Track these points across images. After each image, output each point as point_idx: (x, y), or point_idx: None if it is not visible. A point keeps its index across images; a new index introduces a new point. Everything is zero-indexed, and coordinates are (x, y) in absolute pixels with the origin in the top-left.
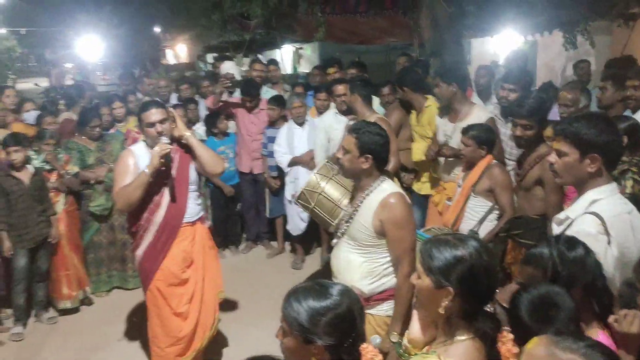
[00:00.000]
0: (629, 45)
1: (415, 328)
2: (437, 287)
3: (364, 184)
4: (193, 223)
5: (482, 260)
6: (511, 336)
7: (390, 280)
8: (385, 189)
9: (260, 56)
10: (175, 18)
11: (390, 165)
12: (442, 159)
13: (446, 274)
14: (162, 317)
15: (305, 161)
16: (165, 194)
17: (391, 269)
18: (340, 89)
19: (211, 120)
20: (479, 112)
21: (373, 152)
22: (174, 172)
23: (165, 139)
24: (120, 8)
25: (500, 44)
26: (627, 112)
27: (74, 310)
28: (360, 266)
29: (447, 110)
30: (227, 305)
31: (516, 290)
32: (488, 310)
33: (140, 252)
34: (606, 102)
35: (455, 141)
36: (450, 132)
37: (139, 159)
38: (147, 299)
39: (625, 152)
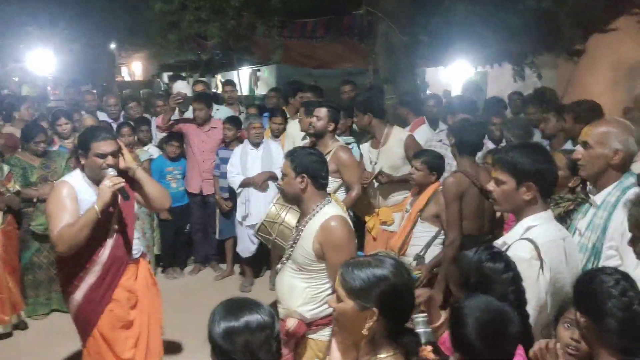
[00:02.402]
0: (573, 79)
1: (335, 355)
2: (361, 309)
3: (307, 207)
4: (137, 260)
5: (402, 278)
6: (430, 347)
7: None
8: (327, 212)
9: (218, 77)
10: (132, 35)
11: (354, 193)
12: (375, 185)
13: (369, 294)
14: None
15: (257, 182)
16: (111, 231)
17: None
18: (321, 111)
19: (171, 138)
20: (397, 133)
21: (307, 171)
22: (120, 207)
23: (112, 171)
24: (76, 23)
25: (453, 73)
26: (568, 143)
27: (5, 335)
28: (303, 291)
29: (368, 138)
30: (173, 329)
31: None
32: (408, 326)
33: (79, 296)
34: (550, 132)
35: (384, 164)
36: (375, 158)
37: (78, 193)
38: (88, 346)
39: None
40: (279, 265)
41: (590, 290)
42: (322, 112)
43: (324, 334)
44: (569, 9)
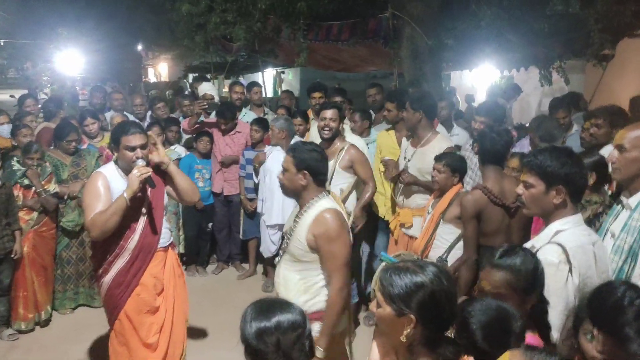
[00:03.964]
0: (601, 85)
1: (374, 357)
2: (399, 315)
3: (304, 200)
4: (165, 249)
5: (442, 286)
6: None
7: (324, 300)
8: (322, 204)
9: (241, 79)
10: (159, 37)
11: (370, 189)
12: (400, 184)
13: (407, 301)
14: (130, 348)
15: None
16: (141, 219)
17: (326, 287)
18: (329, 113)
19: (201, 136)
20: (440, 141)
21: (309, 167)
22: (149, 196)
23: (141, 162)
24: (103, 23)
25: (478, 77)
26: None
27: (27, 331)
28: (297, 283)
29: (411, 135)
30: (196, 328)
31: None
32: (448, 335)
33: (108, 279)
34: (601, 139)
35: (414, 165)
36: (410, 156)
37: (110, 183)
38: (115, 328)
39: (594, 190)
40: (277, 259)
41: (604, 306)
42: (334, 113)
43: (313, 330)
44: (598, 13)
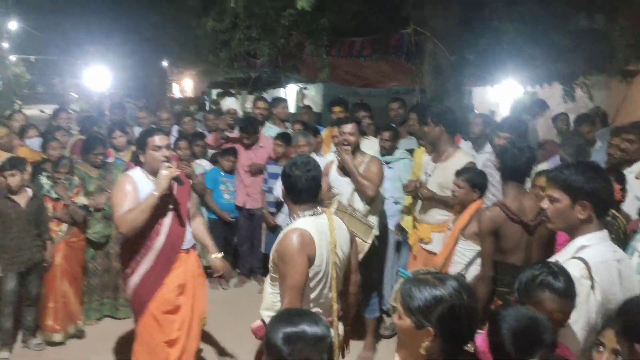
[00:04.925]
0: (626, 100)
1: None
2: (418, 327)
3: (290, 217)
4: (187, 250)
5: (462, 300)
6: None
7: None
8: (294, 223)
9: (265, 94)
10: (184, 53)
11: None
12: (419, 200)
13: (426, 314)
14: (153, 345)
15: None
16: (167, 220)
17: None
18: (349, 127)
19: (224, 155)
20: (460, 156)
21: (286, 186)
22: (175, 197)
23: (167, 163)
24: (130, 40)
25: (501, 93)
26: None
27: (58, 344)
28: (268, 296)
29: (432, 150)
30: (215, 338)
31: (493, 315)
32: (468, 349)
33: (136, 277)
34: (633, 155)
35: (434, 181)
36: (431, 171)
37: (137, 184)
38: (140, 325)
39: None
40: None
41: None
42: (353, 127)
43: None
44: (622, 29)
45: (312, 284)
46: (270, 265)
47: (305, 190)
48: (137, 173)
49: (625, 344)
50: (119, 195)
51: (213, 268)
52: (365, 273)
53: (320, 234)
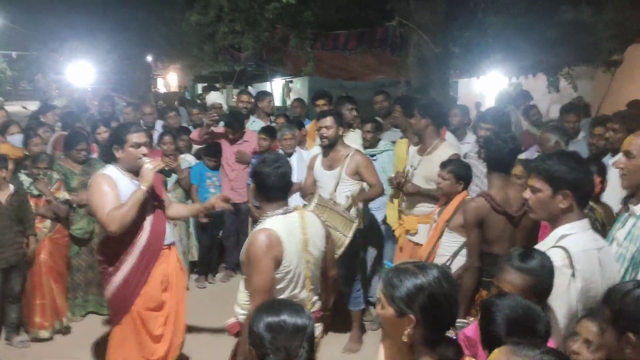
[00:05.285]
0: (610, 91)
1: (380, 358)
2: (399, 315)
3: (261, 216)
4: (169, 246)
5: (442, 288)
6: None
7: None
8: (263, 223)
9: (250, 88)
10: (168, 47)
11: (374, 189)
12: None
13: (407, 302)
14: (139, 342)
15: (293, 191)
16: (149, 217)
17: None
18: (326, 121)
19: (211, 153)
20: (445, 148)
21: (258, 184)
22: (156, 192)
23: (147, 159)
24: (113, 35)
25: (486, 85)
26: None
27: (46, 340)
28: (240, 293)
29: (418, 142)
30: (201, 331)
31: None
32: (450, 336)
33: (119, 277)
34: (617, 144)
35: (420, 173)
36: (416, 164)
37: (117, 182)
38: (125, 323)
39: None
40: None
41: (629, 308)
42: (329, 120)
43: None
44: (607, 20)
45: (282, 285)
46: (243, 264)
47: (276, 187)
48: (112, 171)
49: (614, 333)
50: (99, 194)
51: (214, 205)
52: (349, 265)
53: (289, 233)
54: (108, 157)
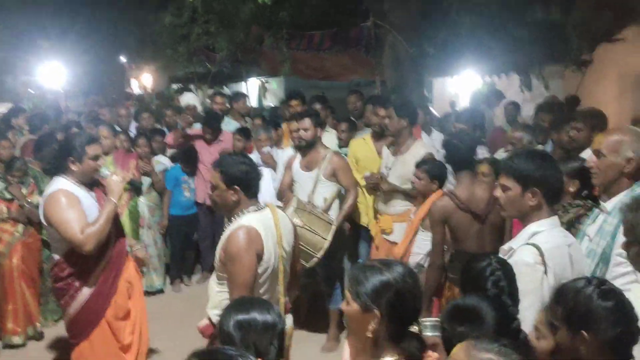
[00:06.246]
0: (580, 90)
1: (345, 355)
2: (364, 311)
3: (234, 214)
4: (127, 253)
5: (406, 284)
6: (436, 355)
7: None
8: (242, 220)
9: (225, 88)
10: (142, 48)
11: (351, 197)
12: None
13: (372, 297)
14: (110, 354)
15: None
16: (113, 227)
17: None
18: (306, 122)
19: (186, 157)
20: (419, 148)
21: (240, 182)
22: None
23: (106, 170)
24: (86, 36)
25: (460, 84)
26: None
27: (19, 346)
28: (215, 295)
29: (393, 143)
30: (177, 334)
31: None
32: (413, 331)
33: (87, 291)
34: (582, 142)
35: (395, 173)
36: (391, 164)
37: (79, 197)
38: (95, 336)
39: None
40: None
41: (582, 307)
42: (307, 122)
43: None
44: (577, 20)
45: (261, 280)
46: (217, 263)
47: (255, 183)
48: (67, 184)
49: (568, 332)
50: (63, 213)
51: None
52: (327, 265)
53: (266, 228)
54: (56, 169)
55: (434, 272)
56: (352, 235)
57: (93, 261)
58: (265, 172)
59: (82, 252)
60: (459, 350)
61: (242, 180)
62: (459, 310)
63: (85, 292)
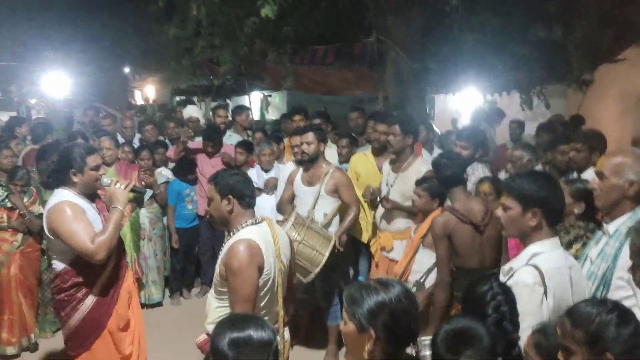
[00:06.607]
0: (581, 109)
1: None
2: (360, 331)
3: (231, 226)
4: (127, 264)
5: (402, 304)
6: None
7: None
8: (240, 234)
9: (228, 101)
10: (146, 60)
11: (352, 213)
12: (381, 208)
13: (367, 318)
14: None
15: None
16: None
17: None
18: (309, 136)
19: (185, 167)
20: (420, 165)
21: (233, 191)
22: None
23: (106, 180)
24: (90, 46)
25: (462, 101)
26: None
27: (13, 357)
28: (214, 310)
29: (394, 160)
30: (179, 350)
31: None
32: (410, 352)
33: (90, 301)
34: (581, 163)
35: (397, 190)
36: (392, 181)
37: (85, 208)
38: (97, 348)
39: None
40: None
41: (604, 330)
42: (310, 136)
43: None
44: (578, 39)
45: (262, 293)
46: (217, 279)
47: (250, 195)
48: (69, 196)
49: (590, 354)
50: (71, 224)
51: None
52: (327, 280)
53: (265, 242)
54: (56, 182)
55: (442, 289)
56: (352, 251)
57: (97, 271)
58: (271, 199)
59: (93, 262)
60: None
61: (234, 189)
62: (454, 331)
63: (88, 303)
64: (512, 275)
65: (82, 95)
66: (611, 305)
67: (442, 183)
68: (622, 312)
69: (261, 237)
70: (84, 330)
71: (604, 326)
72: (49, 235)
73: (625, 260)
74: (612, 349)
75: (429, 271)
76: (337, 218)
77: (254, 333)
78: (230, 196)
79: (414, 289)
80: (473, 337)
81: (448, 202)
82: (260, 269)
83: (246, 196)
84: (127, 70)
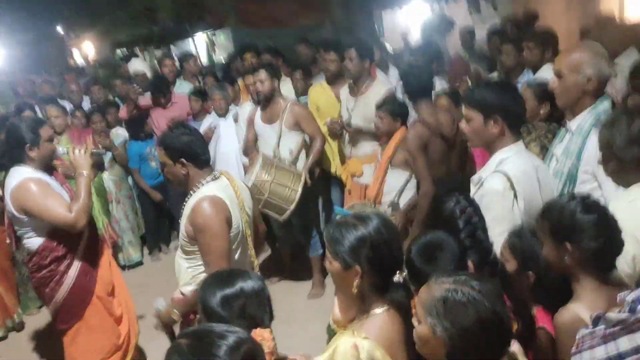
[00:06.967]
0: (528, 6)
1: (335, 310)
2: (345, 268)
3: (189, 187)
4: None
5: (382, 236)
6: None
7: None
8: (202, 191)
9: (172, 47)
10: (78, 15)
11: (318, 144)
12: (346, 136)
13: (350, 254)
14: (106, 327)
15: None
16: None
17: None
18: (261, 74)
19: (135, 125)
20: (378, 86)
21: (184, 154)
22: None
23: (61, 149)
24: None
25: (411, 16)
26: (529, 73)
27: (2, 338)
28: (185, 271)
29: (352, 85)
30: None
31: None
32: (398, 280)
33: (73, 272)
34: (509, 64)
35: (358, 114)
36: (352, 106)
37: (49, 182)
38: (89, 314)
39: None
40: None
41: (566, 220)
42: (262, 74)
43: None
44: None
45: (233, 246)
46: (184, 239)
47: (202, 153)
48: (30, 171)
49: (553, 244)
50: (42, 199)
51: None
52: (302, 215)
53: (228, 196)
54: (11, 161)
55: (427, 200)
56: (323, 183)
57: (75, 241)
58: (233, 144)
59: (74, 231)
60: (423, 288)
61: (186, 152)
62: (425, 244)
63: (72, 274)
64: (482, 184)
65: (17, 65)
66: (579, 198)
67: (410, 95)
68: (586, 203)
69: (223, 192)
70: (73, 301)
71: (566, 215)
72: (19, 215)
73: (588, 154)
74: (572, 237)
75: (402, 190)
76: (303, 153)
77: (244, 284)
78: (183, 159)
79: (389, 210)
80: (443, 245)
81: (411, 119)
82: (229, 223)
83: (199, 155)
84: (61, 31)
